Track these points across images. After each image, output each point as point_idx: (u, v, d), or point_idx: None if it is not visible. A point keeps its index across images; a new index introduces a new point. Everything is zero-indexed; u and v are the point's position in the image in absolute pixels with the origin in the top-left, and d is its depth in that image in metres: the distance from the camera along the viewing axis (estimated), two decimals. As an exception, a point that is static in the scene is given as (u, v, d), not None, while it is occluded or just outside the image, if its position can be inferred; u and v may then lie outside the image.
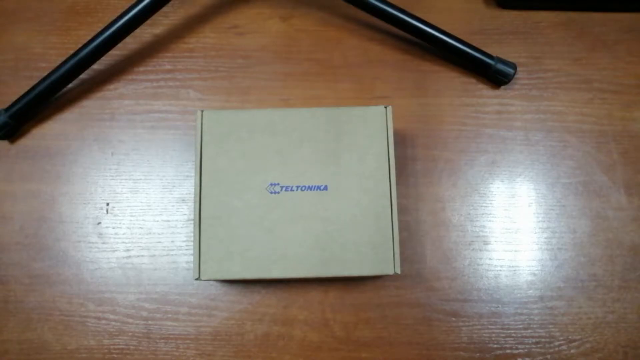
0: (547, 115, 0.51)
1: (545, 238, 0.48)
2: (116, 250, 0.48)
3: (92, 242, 0.48)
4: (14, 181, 0.49)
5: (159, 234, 0.48)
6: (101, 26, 0.49)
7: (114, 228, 0.48)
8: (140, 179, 0.49)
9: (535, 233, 0.48)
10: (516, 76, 0.51)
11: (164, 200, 0.49)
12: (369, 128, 0.41)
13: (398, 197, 0.48)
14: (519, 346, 0.45)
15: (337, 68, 0.53)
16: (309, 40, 0.54)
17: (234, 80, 0.52)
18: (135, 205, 0.49)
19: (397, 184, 0.49)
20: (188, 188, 0.49)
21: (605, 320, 0.46)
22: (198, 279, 0.38)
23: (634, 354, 0.45)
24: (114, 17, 0.48)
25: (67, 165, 0.50)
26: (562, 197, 0.49)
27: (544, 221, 0.49)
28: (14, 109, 0.49)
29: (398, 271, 0.38)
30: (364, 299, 0.46)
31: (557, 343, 0.45)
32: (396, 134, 0.50)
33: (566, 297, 0.47)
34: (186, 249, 0.47)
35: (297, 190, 0.39)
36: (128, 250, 0.47)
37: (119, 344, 0.45)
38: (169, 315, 0.46)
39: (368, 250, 0.38)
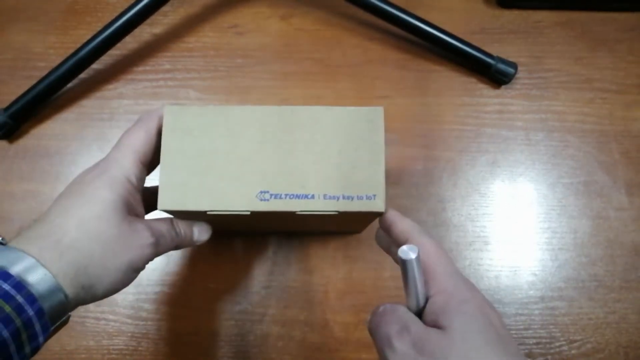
0: (547, 115, 0.51)
1: (546, 238, 0.48)
2: (115, 251, 0.47)
3: (91, 243, 0.48)
4: (12, 181, 0.49)
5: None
6: (100, 26, 0.48)
7: (113, 228, 0.48)
8: (140, 179, 0.49)
9: (536, 233, 0.48)
10: (517, 76, 0.51)
11: (163, 200, 0.48)
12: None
13: (398, 197, 0.48)
14: (520, 347, 0.45)
15: (337, 67, 0.52)
16: (308, 39, 0.53)
17: (233, 79, 0.52)
18: (135, 205, 0.48)
19: (397, 184, 0.49)
20: (187, 188, 0.49)
21: (606, 321, 0.46)
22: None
23: (635, 354, 0.45)
24: (113, 17, 0.48)
25: (66, 165, 0.50)
26: (563, 197, 0.49)
27: (545, 221, 0.48)
28: (13, 108, 0.49)
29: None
30: (363, 300, 0.46)
31: (557, 344, 0.45)
32: (396, 134, 0.50)
33: (567, 298, 0.46)
34: (186, 249, 0.47)
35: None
36: (127, 250, 0.47)
37: (118, 345, 0.45)
38: (169, 316, 0.46)
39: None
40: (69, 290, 0.25)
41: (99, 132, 0.50)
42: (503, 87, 0.52)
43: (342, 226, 0.43)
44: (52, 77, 0.48)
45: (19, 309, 0.23)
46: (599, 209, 0.49)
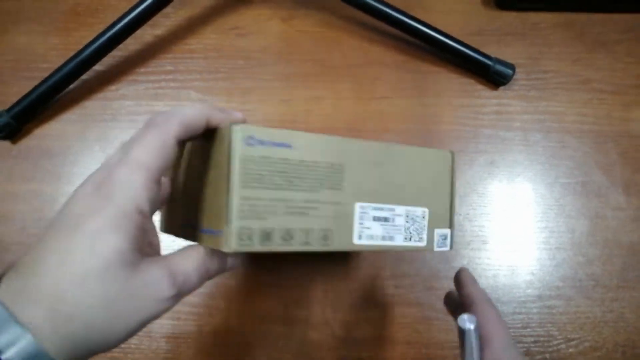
0: (545, 115, 0.52)
1: (544, 238, 0.48)
2: (117, 250, 0.48)
3: (94, 242, 0.48)
4: (15, 181, 0.50)
5: (159, 233, 0.48)
6: (102, 27, 0.49)
7: (115, 228, 0.48)
8: (141, 179, 0.49)
9: (533, 233, 0.49)
10: (515, 77, 0.51)
11: (164, 200, 0.49)
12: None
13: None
14: (518, 345, 0.46)
15: (338, 69, 0.53)
16: (309, 41, 0.54)
17: (234, 81, 0.52)
18: (137, 205, 0.49)
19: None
20: (189, 188, 0.49)
21: (603, 320, 0.46)
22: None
23: (632, 353, 0.45)
24: (115, 18, 0.48)
25: (68, 166, 0.50)
26: (561, 197, 0.49)
27: (543, 221, 0.49)
28: (16, 109, 0.49)
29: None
30: (363, 298, 0.47)
31: (555, 342, 0.46)
32: (395, 134, 0.51)
33: (564, 297, 0.47)
34: (187, 249, 0.48)
35: None
36: (129, 250, 0.48)
37: (120, 343, 0.45)
38: (170, 314, 0.46)
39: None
40: None
41: (100, 133, 0.51)
42: (501, 88, 0.52)
43: None
44: (54, 79, 0.49)
45: None
46: (596, 209, 0.49)
